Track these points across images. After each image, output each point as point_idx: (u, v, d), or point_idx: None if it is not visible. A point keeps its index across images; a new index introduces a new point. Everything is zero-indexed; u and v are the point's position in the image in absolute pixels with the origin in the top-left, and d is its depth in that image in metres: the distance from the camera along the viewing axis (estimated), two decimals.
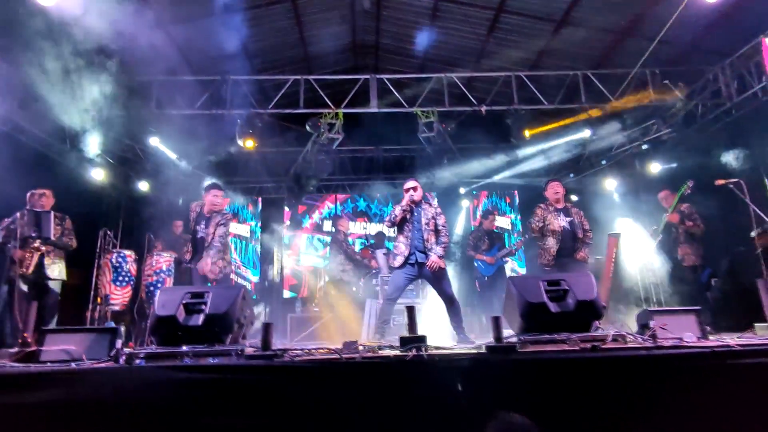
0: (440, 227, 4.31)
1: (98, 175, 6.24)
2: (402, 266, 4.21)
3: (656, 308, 3.08)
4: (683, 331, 2.96)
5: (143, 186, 7.06)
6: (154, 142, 6.47)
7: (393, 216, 4.27)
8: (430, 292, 5.98)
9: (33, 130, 5.17)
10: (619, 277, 6.11)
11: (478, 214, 8.77)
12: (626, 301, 6.71)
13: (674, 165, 6.49)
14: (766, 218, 3.82)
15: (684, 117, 6.35)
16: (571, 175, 7.97)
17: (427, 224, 4.25)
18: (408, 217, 4.27)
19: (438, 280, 4.19)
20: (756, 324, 3.01)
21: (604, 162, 7.39)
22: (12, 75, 4.72)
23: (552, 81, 6.72)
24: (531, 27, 7.03)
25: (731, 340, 2.66)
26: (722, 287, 5.55)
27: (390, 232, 6.58)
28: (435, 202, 4.53)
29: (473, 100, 6.43)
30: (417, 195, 4.31)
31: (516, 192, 9.60)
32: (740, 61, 5.94)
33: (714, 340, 2.72)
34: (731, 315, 4.60)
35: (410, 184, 4.36)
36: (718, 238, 5.71)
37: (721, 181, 4.15)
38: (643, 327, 2.88)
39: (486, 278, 6.52)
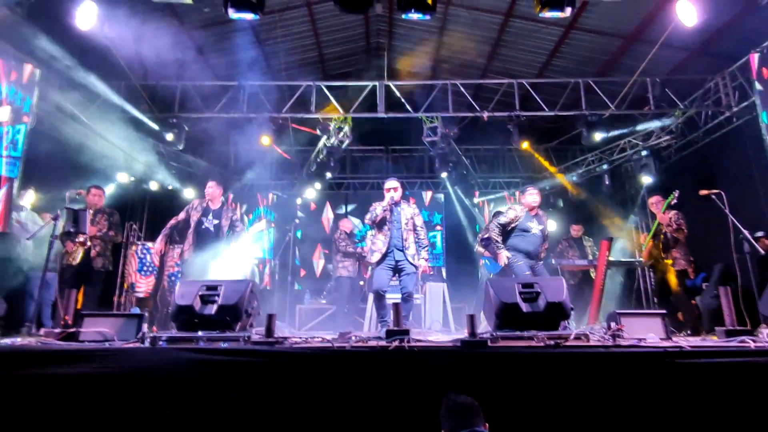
0: (418, 228, 4.53)
1: (123, 177, 6.73)
2: (380, 262, 4.39)
3: (624, 310, 3.34)
4: (648, 332, 3.25)
5: (164, 184, 7.52)
6: (173, 141, 6.87)
7: (374, 215, 4.45)
8: (429, 289, 6.33)
9: (71, 135, 5.69)
10: (613, 279, 6.32)
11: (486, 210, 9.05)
12: (622, 302, 6.92)
13: (671, 172, 6.64)
14: (742, 228, 4.02)
15: (684, 125, 6.48)
16: (574, 177, 8.16)
17: (406, 224, 4.45)
18: (388, 216, 4.45)
19: (407, 276, 4.39)
20: (716, 327, 3.25)
21: (605, 166, 7.55)
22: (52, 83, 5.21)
23: (554, 88, 6.91)
24: (539, 31, 7.22)
25: (686, 342, 2.93)
26: (712, 291, 5.74)
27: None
28: (413, 203, 4.74)
29: (477, 106, 6.68)
30: (397, 195, 4.48)
31: (520, 192, 9.77)
32: (740, 71, 6.05)
33: (671, 342, 2.99)
34: (720, 318, 4.82)
35: (391, 184, 4.51)
36: (713, 244, 5.88)
37: (704, 192, 4.33)
38: (610, 327, 3.17)
39: (491, 275, 6.42)
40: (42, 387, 2.56)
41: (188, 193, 7.79)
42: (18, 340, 2.99)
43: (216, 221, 4.95)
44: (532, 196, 4.83)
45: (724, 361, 2.68)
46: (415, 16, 4.27)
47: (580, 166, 8.13)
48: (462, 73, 8.26)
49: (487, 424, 1.90)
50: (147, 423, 2.52)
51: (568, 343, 2.79)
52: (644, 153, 6.89)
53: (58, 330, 3.08)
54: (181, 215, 4.97)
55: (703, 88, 6.43)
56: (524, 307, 3.07)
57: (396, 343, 2.79)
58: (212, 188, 5.03)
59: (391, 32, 8.58)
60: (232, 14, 4.21)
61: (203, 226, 4.90)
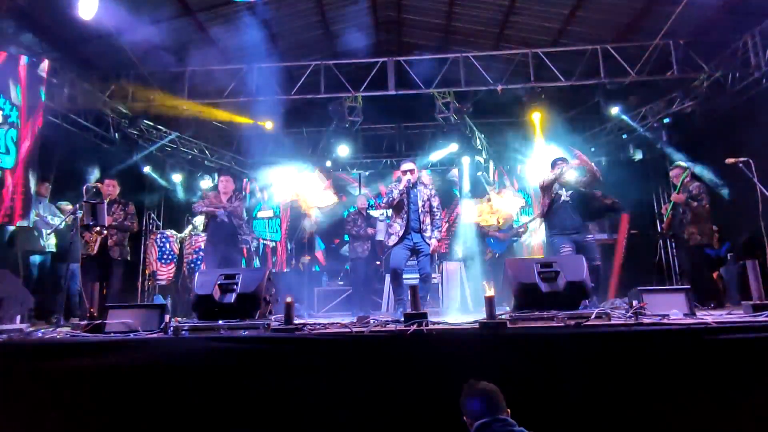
0: (435, 209, 4.48)
1: (146, 168, 6.80)
2: (397, 243, 4.37)
3: (646, 287, 3.26)
4: (672, 309, 3.17)
5: (180, 174, 7.59)
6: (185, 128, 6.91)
7: (390, 198, 4.41)
8: (446, 268, 6.31)
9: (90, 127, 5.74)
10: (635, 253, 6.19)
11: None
12: (645, 276, 6.79)
13: (696, 139, 6.38)
14: None
15: (709, 88, 6.17)
16: (593, 149, 7.91)
17: (423, 206, 4.42)
18: (404, 198, 4.41)
19: (425, 257, 4.39)
20: (743, 302, 3.16)
21: (625, 136, 7.29)
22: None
23: (571, 56, 6.63)
24: None
25: (710, 317, 2.85)
26: (738, 262, 5.60)
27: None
28: (430, 185, 4.66)
29: (489, 78, 6.48)
30: (413, 177, 4.44)
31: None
32: None
33: (695, 318, 2.92)
34: (745, 290, 4.70)
35: (407, 166, 4.47)
36: (741, 213, 5.69)
37: (731, 160, 4.16)
38: (632, 305, 3.10)
39: (497, 255, 6.37)
40: (70, 378, 2.65)
41: (204, 183, 7.87)
42: (47, 332, 3.08)
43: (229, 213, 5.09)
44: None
45: (751, 336, 2.61)
46: None
47: (599, 136, 7.87)
48: (474, 45, 7.98)
49: (509, 410, 1.89)
50: (171, 411, 2.60)
51: (589, 323, 2.74)
52: (666, 120, 6.61)
53: (84, 322, 3.16)
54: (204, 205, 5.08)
55: (731, 48, 6.09)
56: (543, 287, 3.01)
57: (414, 327, 2.78)
58: (225, 182, 5.19)
59: (400, 4, 8.30)
60: None
61: (218, 219, 5.04)
